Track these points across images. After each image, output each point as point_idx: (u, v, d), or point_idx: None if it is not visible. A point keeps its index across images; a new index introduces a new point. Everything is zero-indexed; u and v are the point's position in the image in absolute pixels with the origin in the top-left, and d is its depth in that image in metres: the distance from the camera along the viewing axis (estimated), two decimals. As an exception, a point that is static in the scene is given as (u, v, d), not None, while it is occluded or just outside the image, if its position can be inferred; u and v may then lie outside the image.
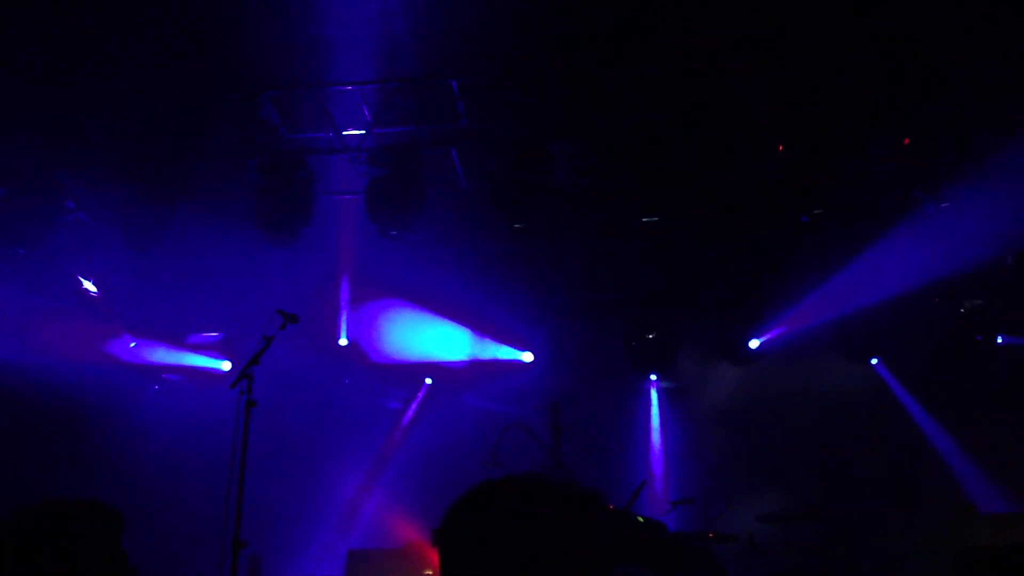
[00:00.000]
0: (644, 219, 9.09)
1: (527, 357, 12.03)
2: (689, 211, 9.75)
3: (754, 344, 11.75)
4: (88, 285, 10.54)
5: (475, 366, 11.93)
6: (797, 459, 10.77)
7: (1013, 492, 10.76)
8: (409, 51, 7.97)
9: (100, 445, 10.62)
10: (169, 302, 11.21)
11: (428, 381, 12.73)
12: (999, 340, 11.37)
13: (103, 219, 9.69)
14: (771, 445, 11.21)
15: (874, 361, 11.98)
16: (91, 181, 9.31)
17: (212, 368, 12.00)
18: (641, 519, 7.64)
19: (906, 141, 8.48)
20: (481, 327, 11.77)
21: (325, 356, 11.75)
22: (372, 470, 12.14)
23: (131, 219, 9.17)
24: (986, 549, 7.59)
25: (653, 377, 12.51)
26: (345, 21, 7.60)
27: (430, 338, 11.65)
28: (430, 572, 9.19)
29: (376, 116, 8.63)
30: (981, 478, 11.07)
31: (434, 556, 8.96)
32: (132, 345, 11.68)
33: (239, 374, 6.93)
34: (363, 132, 8.81)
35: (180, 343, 11.95)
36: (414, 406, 12.66)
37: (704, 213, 9.90)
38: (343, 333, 11.47)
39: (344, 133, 8.91)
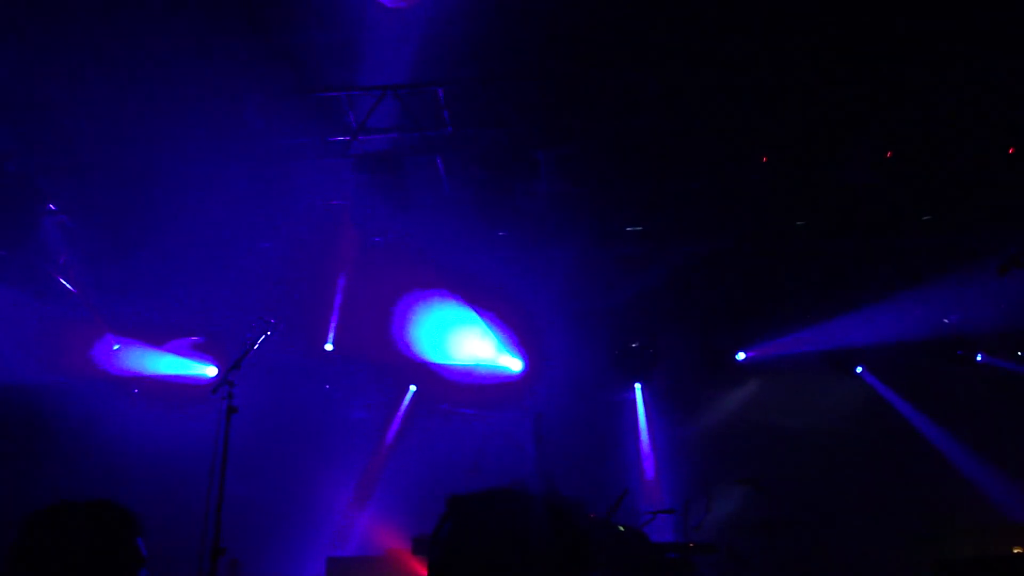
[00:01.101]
0: (628, 228, 9.11)
1: (514, 366, 12.00)
2: (675, 220, 9.79)
3: (740, 356, 11.80)
4: (68, 285, 10.48)
5: (460, 373, 11.91)
6: (780, 468, 10.78)
7: (999, 502, 10.80)
8: (396, 58, 7.98)
9: (78, 449, 10.55)
10: (154, 305, 11.14)
11: (412, 388, 12.69)
12: (978, 358, 11.47)
13: (87, 221, 9.65)
14: (754, 454, 11.23)
15: (859, 369, 12.03)
16: (73, 184, 9.27)
17: (197, 373, 11.93)
18: (622, 528, 7.65)
19: (888, 154, 8.52)
20: (467, 335, 11.74)
21: (311, 361, 11.72)
22: (353, 477, 12.09)
23: (115, 221, 9.17)
24: (964, 560, 7.64)
25: (638, 386, 12.53)
26: (331, 28, 7.61)
27: (422, 341, 11.61)
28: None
29: (362, 123, 8.63)
30: (969, 488, 11.08)
31: (414, 563, 8.95)
32: (116, 348, 11.60)
33: (220, 380, 6.94)
34: (348, 139, 8.82)
35: (164, 345, 11.86)
36: (399, 413, 12.62)
37: (691, 222, 9.92)
38: (330, 338, 11.45)
39: (329, 140, 8.92)
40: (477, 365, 11.79)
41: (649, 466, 12.17)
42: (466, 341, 11.71)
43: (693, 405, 12.30)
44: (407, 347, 11.53)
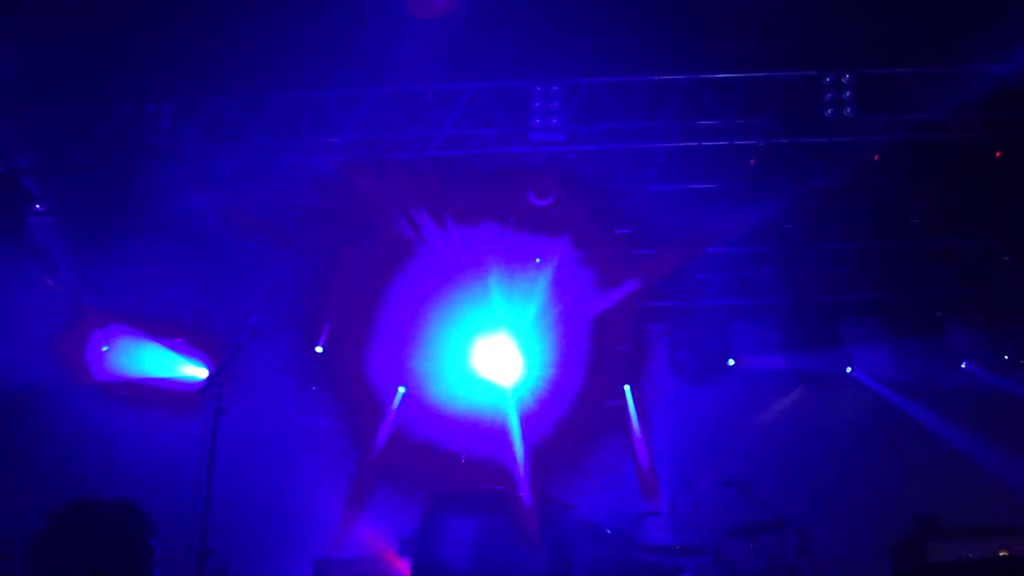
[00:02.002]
0: (616, 231, 9.14)
1: (504, 369, 11.92)
2: (663, 222, 9.82)
3: (730, 362, 11.81)
4: (56, 285, 10.44)
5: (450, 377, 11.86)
6: (769, 471, 10.79)
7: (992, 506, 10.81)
8: (392, 59, 7.99)
9: (65, 452, 10.51)
10: (143, 304, 11.11)
11: (402, 390, 12.64)
12: (963, 366, 11.50)
13: (75, 221, 9.63)
14: (742, 457, 11.24)
15: (849, 369, 12.02)
16: (61, 184, 9.25)
17: (185, 374, 11.86)
18: (609, 531, 7.66)
19: (875, 157, 8.56)
20: (458, 340, 11.68)
21: (301, 363, 11.68)
22: (341, 479, 12.05)
23: (103, 221, 9.16)
24: (951, 564, 7.66)
25: (627, 388, 12.51)
26: (324, 31, 7.61)
27: (414, 347, 11.56)
28: (397, 581, 9.17)
29: (352, 125, 8.64)
30: (956, 490, 11.08)
31: (401, 565, 8.93)
32: (104, 349, 11.54)
33: (209, 381, 6.92)
34: (339, 140, 8.82)
35: (155, 338, 11.78)
36: (388, 415, 12.57)
37: (681, 225, 9.94)
38: (321, 341, 11.40)
39: (322, 141, 8.92)
40: (467, 369, 11.72)
41: (636, 467, 12.16)
42: (457, 348, 11.66)
43: (681, 407, 12.29)
44: (397, 350, 11.51)
